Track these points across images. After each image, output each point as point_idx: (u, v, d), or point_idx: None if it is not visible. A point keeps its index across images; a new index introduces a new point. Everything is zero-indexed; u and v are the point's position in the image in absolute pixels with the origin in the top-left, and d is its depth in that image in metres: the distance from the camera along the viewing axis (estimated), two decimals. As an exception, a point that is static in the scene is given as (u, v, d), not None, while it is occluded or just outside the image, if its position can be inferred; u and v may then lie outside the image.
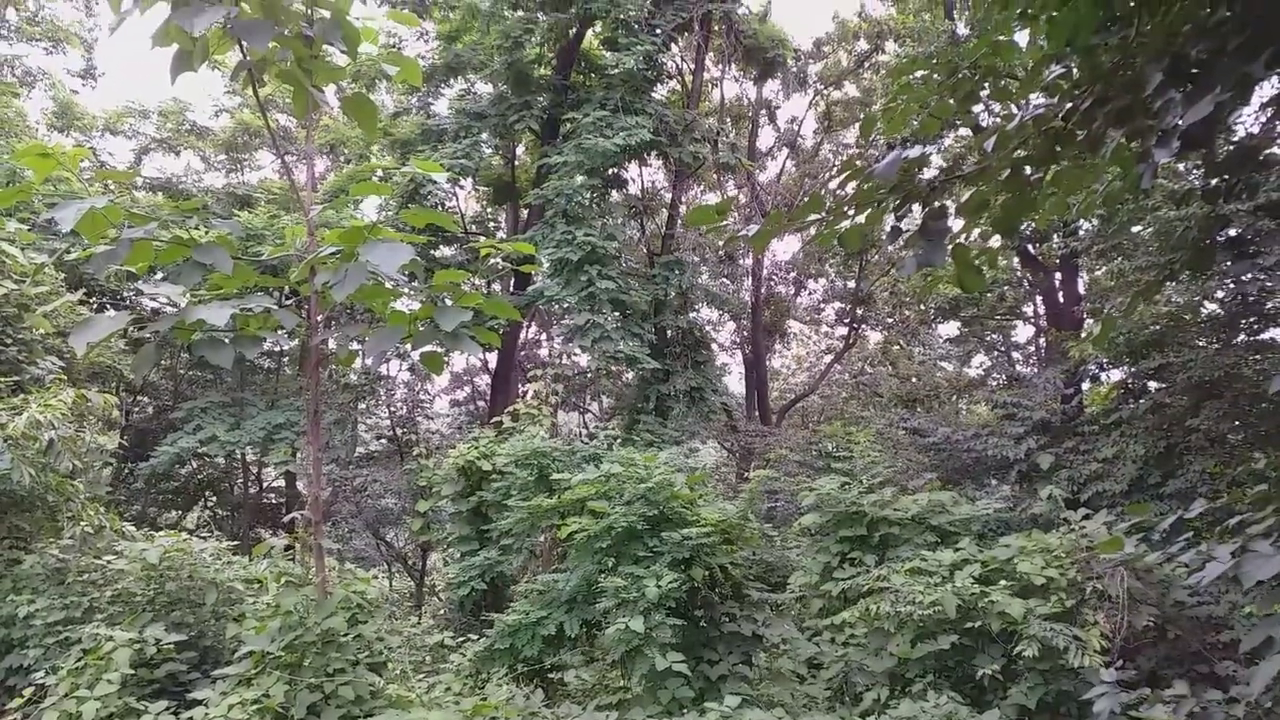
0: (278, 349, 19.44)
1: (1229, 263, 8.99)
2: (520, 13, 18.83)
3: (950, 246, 2.41)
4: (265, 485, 22.75)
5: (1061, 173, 2.44)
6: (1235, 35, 1.92)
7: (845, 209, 2.46)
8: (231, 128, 22.47)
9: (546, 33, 19.34)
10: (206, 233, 5.48)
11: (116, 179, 15.23)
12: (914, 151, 2.36)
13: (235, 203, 19.04)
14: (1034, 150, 2.36)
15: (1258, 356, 11.30)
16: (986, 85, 2.92)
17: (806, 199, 2.76)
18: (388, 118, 20.46)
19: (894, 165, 2.36)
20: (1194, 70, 2.02)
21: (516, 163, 21.95)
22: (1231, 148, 2.58)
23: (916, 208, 2.47)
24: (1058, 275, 17.31)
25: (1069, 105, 2.34)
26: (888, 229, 2.56)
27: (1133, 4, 2.22)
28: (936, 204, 2.40)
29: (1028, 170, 2.41)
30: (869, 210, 2.50)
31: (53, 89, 22.83)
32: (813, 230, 2.54)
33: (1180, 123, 1.94)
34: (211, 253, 5.03)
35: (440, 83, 20.67)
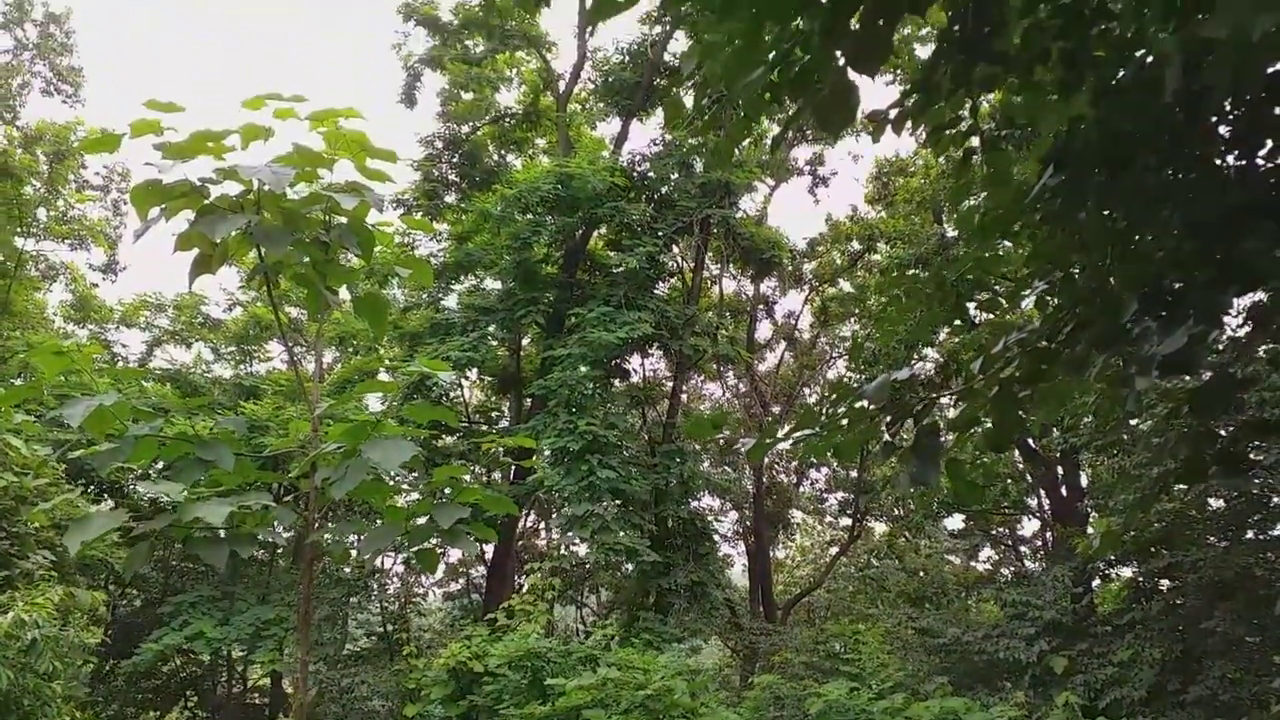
0: (271, 541, 19.15)
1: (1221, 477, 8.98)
2: (530, 216, 19.79)
3: (944, 462, 2.44)
4: (250, 684, 21.79)
5: (1049, 389, 2.50)
6: (1204, 268, 2.03)
7: (838, 425, 2.52)
8: (244, 321, 23.14)
9: (554, 234, 20.25)
10: (211, 428, 5.53)
11: (128, 376, 15.51)
12: (903, 374, 2.44)
13: (242, 394, 19.32)
14: (1021, 370, 2.44)
15: (1268, 555, 11.11)
16: (974, 298, 3.04)
17: (800, 411, 2.81)
18: (398, 312, 21.09)
19: (883, 388, 2.43)
20: (1169, 298, 2.12)
21: (521, 353, 22.44)
22: (1213, 372, 2.66)
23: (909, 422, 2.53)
24: (1059, 469, 17.30)
25: (1053, 326, 2.44)
26: (880, 444, 2.60)
27: (1107, 234, 2.37)
28: (928, 421, 2.45)
29: (1016, 389, 2.48)
30: (862, 426, 2.55)
31: (74, 283, 23.69)
32: (807, 444, 2.58)
33: (1158, 352, 2.02)
34: (214, 450, 5.06)
35: (451, 279, 21.44)
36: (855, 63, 2.08)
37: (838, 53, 2.09)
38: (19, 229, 22.01)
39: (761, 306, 27.56)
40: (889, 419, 2.52)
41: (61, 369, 5.36)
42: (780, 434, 2.66)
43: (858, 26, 2.04)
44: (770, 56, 2.13)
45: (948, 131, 2.73)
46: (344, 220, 5.81)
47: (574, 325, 19.08)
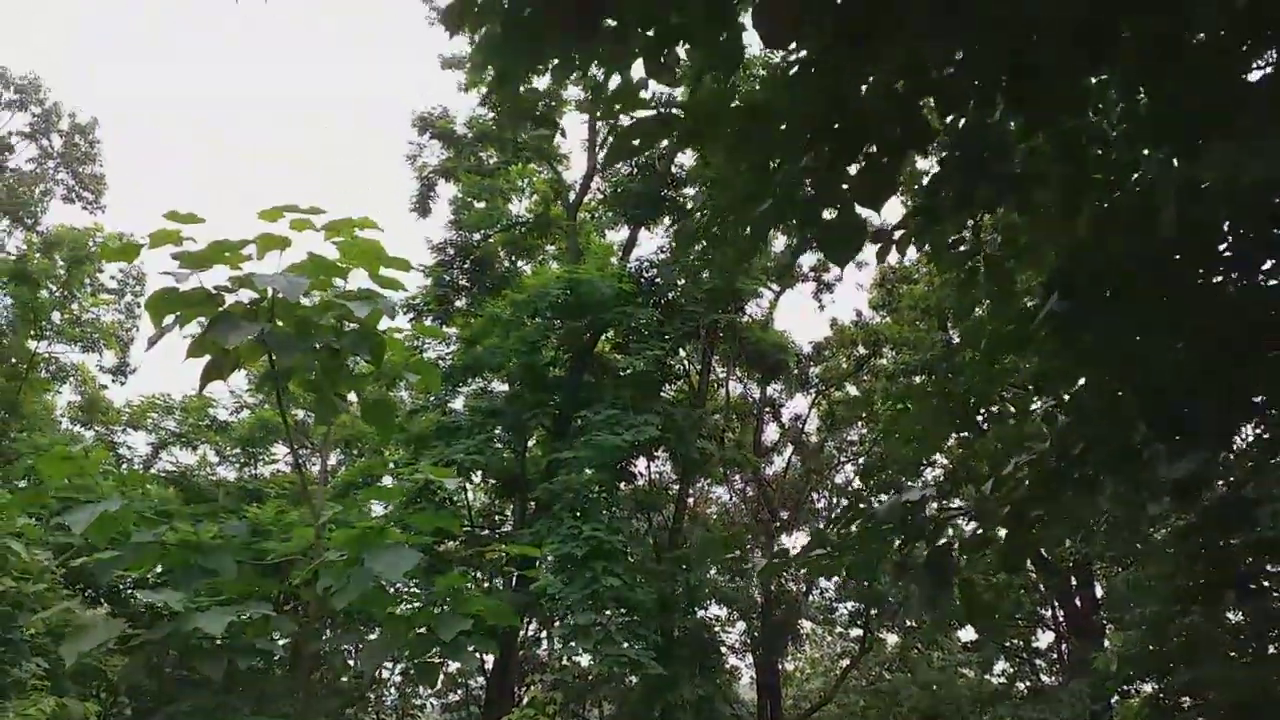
0: (268, 649, 18.66)
1: (1238, 601, 8.82)
2: (538, 320, 20.01)
3: (957, 581, 2.42)
4: (238, 801, 20.92)
5: (1061, 510, 2.49)
6: (1212, 391, 2.05)
7: (851, 545, 2.50)
8: (250, 423, 23.19)
9: (562, 338, 20.44)
10: (214, 534, 5.49)
11: (133, 481, 15.45)
12: (914, 494, 2.43)
13: (245, 497, 19.21)
14: (1031, 490, 2.43)
15: (1294, 674, 10.76)
16: (983, 411, 3.05)
17: (809, 516, 2.79)
18: (405, 414, 21.13)
19: (896, 509, 2.43)
20: (1178, 418, 2.14)
21: (526, 455, 22.35)
22: (1224, 492, 2.65)
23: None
24: (1073, 579, 16.97)
25: (1062, 446, 2.45)
26: (893, 564, 2.57)
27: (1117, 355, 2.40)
28: (940, 541, 2.43)
29: (1027, 510, 2.47)
30: (874, 546, 2.54)
31: (84, 385, 23.86)
32: (819, 565, 2.56)
33: (1169, 476, 2.02)
34: (217, 558, 5.01)
35: (458, 382, 21.55)
36: (861, 199, 2.14)
37: (844, 187, 2.16)
38: (33, 332, 22.31)
39: (768, 410, 27.56)
40: (901, 539, 2.50)
41: (68, 474, 5.36)
42: (793, 554, 2.63)
43: (863, 163, 2.11)
44: (777, 190, 2.20)
45: (951, 250, 2.79)
46: (356, 327, 5.91)
47: (580, 428, 19.07)
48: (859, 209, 2.17)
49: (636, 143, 2.43)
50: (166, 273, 5.28)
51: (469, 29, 2.75)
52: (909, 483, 23.74)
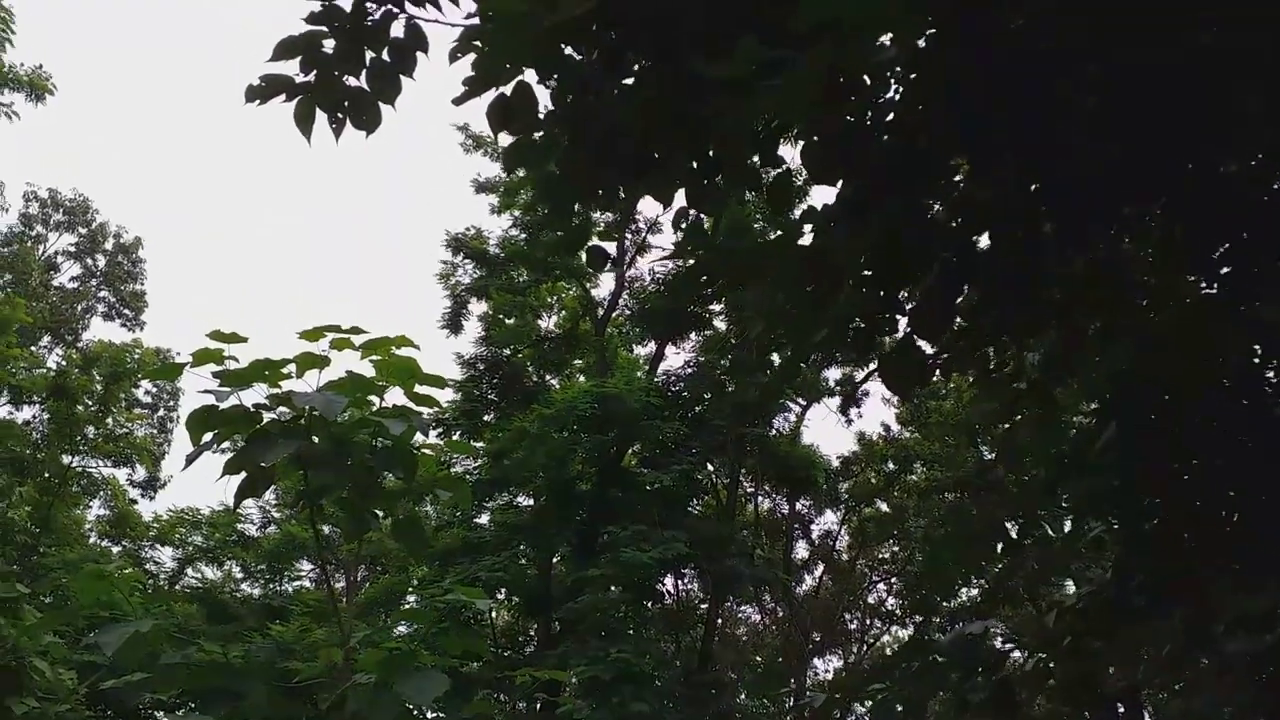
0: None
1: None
2: (565, 434, 20.04)
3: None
4: None
5: (1122, 645, 2.41)
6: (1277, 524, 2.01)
7: (910, 678, 2.42)
8: (278, 539, 23.12)
9: (589, 451, 20.41)
10: (241, 654, 5.41)
11: (160, 599, 15.40)
12: (976, 627, 2.37)
13: (269, 614, 19.00)
14: (1093, 623, 2.36)
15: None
16: (1030, 537, 2.99)
17: (866, 672, 2.71)
18: (431, 530, 21.00)
19: (960, 643, 2.36)
20: (1244, 550, 2.09)
21: (552, 572, 22.02)
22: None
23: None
24: (1120, 706, 16.20)
25: (1121, 580, 2.39)
26: (954, 699, 2.48)
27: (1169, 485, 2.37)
28: (1002, 676, 2.35)
29: (1088, 644, 2.40)
30: (930, 682, 2.45)
31: (114, 499, 23.99)
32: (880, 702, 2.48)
33: (1238, 611, 1.96)
34: (245, 681, 4.93)
35: (484, 497, 21.46)
36: (919, 331, 2.17)
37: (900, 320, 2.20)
38: (66, 447, 22.61)
39: (797, 526, 27.11)
40: (961, 672, 2.42)
41: (99, 594, 5.35)
42: (828, 679, 2.55)
43: (920, 299, 2.15)
44: (833, 321, 2.25)
45: (993, 375, 2.80)
46: (389, 443, 5.95)
47: (606, 544, 18.82)
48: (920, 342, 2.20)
49: (703, 280, 2.52)
50: (207, 391, 5.35)
51: (526, 169, 2.89)
52: (944, 603, 23.10)
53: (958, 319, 2.54)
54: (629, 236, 23.21)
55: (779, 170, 2.91)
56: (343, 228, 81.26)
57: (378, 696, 5.34)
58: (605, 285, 24.58)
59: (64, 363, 24.94)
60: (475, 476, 21.26)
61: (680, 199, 3.01)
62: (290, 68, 3.40)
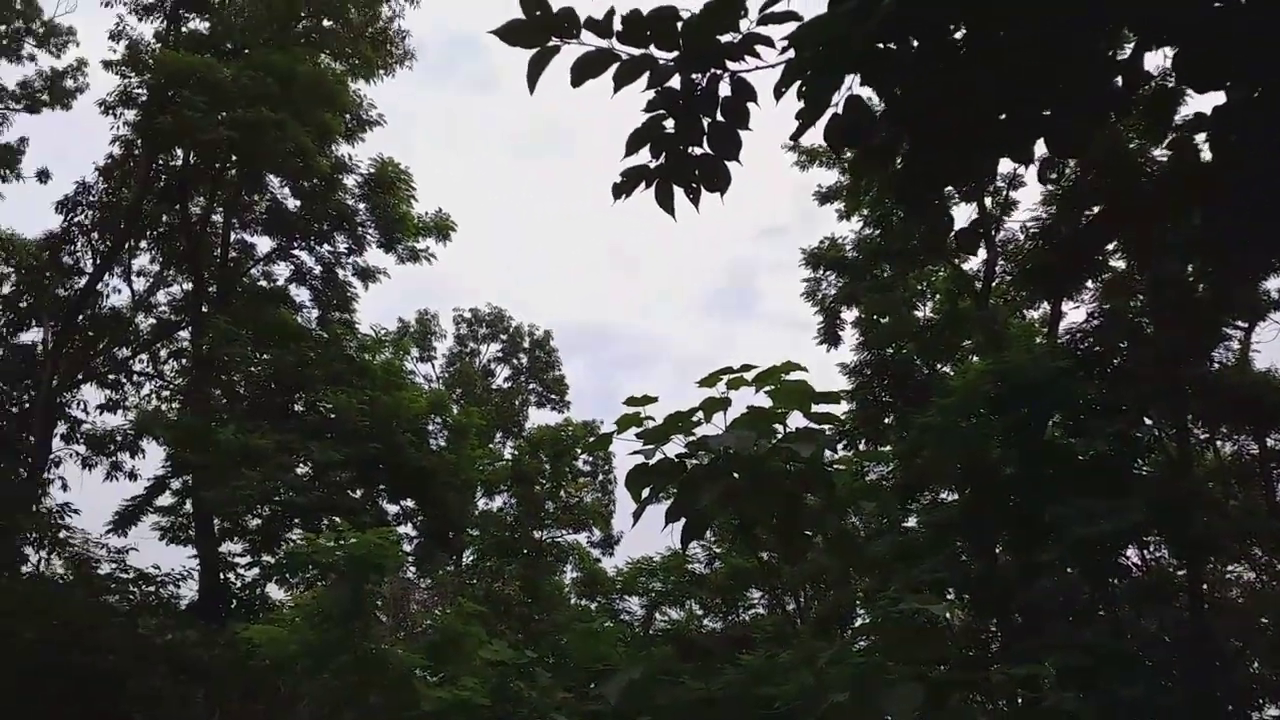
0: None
1: None
2: (972, 420, 19.25)
3: None
4: None
5: None
6: None
7: None
8: (724, 573, 24.54)
9: (1004, 432, 19.40)
10: (723, 686, 5.93)
11: (643, 645, 16.99)
12: None
13: (734, 645, 20.18)
14: None
15: None
16: None
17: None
18: (862, 541, 21.09)
19: None
20: None
21: (997, 564, 21.06)
22: None
23: None
24: None
25: None
26: None
27: None
28: None
29: None
30: None
31: (581, 562, 26.97)
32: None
33: None
34: (731, 712, 5.40)
35: (906, 499, 21.19)
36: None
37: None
38: (534, 523, 26.04)
39: (1275, 465, 23.31)
40: None
41: (592, 649, 6.21)
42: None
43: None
44: None
45: None
46: (802, 466, 6.25)
47: (1049, 525, 17.63)
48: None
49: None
50: (637, 451, 6.03)
51: (872, 177, 3.08)
52: None
53: None
54: (989, 199, 21.92)
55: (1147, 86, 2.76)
56: (710, 284, 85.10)
57: (859, 713, 5.55)
58: (976, 257, 23.37)
59: (516, 452, 28.82)
60: (890, 481, 21.06)
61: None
62: (641, 156, 3.74)
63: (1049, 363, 18.22)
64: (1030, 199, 23.79)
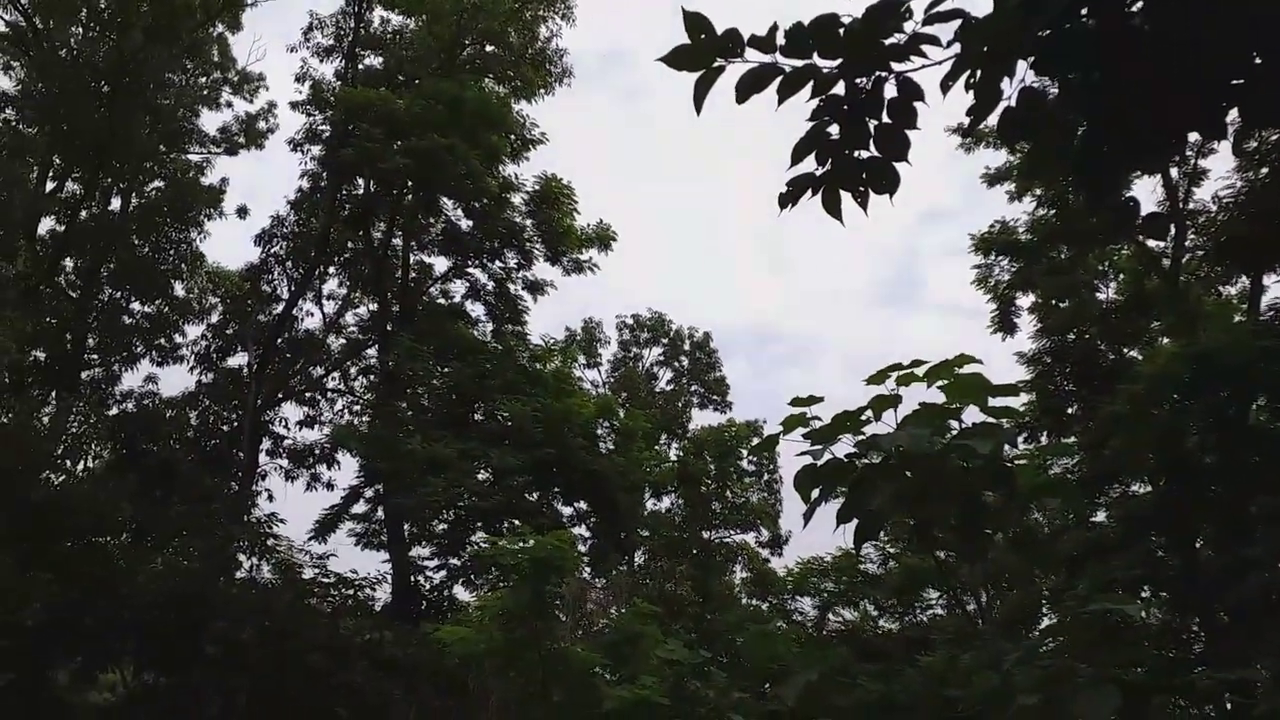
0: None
1: None
2: (1165, 406, 18.08)
3: None
4: None
5: None
6: None
7: None
8: (899, 573, 23.93)
9: (1201, 418, 18.12)
10: (903, 688, 5.88)
11: (813, 647, 16.88)
12: None
13: (912, 646, 19.72)
14: None
15: None
16: None
17: None
18: (1046, 538, 20.16)
19: None
20: None
21: (1198, 560, 19.65)
22: None
23: None
24: None
25: None
26: None
27: None
28: None
29: None
30: None
31: (750, 561, 27.02)
32: None
33: None
34: (911, 712, 5.36)
35: (1094, 493, 20.11)
36: None
37: None
38: (702, 524, 26.27)
39: None
40: None
41: (767, 649, 6.25)
42: None
43: None
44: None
45: None
46: (980, 463, 6.10)
47: (1257, 516, 16.31)
48: None
49: None
50: (804, 452, 6.05)
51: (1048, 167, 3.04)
52: None
53: None
54: (1175, 169, 20.48)
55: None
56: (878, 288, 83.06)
57: (1047, 716, 5.40)
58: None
59: (681, 454, 29.17)
60: (1076, 475, 20.01)
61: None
62: (806, 164, 3.74)
63: (1251, 342, 16.85)
64: (1221, 167, 22.00)
